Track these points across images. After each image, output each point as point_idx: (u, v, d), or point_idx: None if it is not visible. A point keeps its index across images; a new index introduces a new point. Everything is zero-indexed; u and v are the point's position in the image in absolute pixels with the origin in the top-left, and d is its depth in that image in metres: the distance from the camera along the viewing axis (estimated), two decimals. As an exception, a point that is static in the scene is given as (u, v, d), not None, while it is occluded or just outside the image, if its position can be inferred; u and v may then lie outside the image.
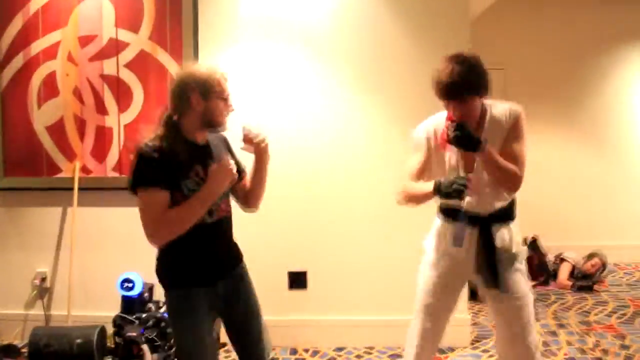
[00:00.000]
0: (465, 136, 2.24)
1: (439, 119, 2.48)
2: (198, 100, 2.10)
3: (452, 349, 3.66)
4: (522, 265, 2.46)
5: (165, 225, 2.04)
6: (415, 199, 2.44)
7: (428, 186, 2.34)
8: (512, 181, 2.33)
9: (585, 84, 6.00)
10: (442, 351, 3.61)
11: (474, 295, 4.22)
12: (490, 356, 3.56)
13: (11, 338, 3.75)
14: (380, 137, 3.78)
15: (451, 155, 2.42)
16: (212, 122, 2.16)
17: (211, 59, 3.78)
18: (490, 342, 3.77)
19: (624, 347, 3.66)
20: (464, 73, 2.21)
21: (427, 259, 2.57)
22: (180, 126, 2.14)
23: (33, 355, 3.50)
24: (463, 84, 2.22)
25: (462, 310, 3.69)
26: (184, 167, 2.09)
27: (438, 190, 2.29)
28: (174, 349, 3.41)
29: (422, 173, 2.48)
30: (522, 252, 2.51)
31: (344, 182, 3.80)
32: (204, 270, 2.18)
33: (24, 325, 3.90)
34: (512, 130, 2.35)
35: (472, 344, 3.78)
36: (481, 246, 2.42)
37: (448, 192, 2.25)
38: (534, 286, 5.02)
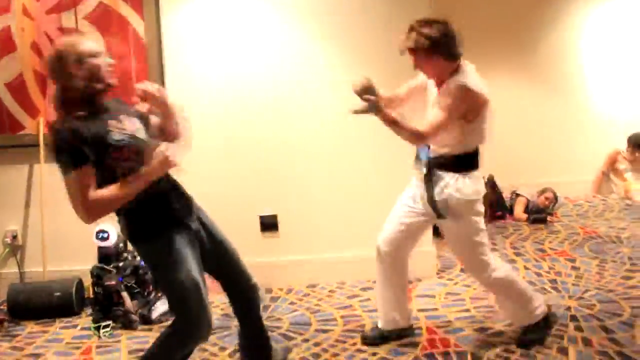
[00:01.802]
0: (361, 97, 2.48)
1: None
2: (76, 67, 2.10)
3: (419, 280, 3.86)
4: (468, 213, 2.66)
5: (101, 206, 2.07)
6: None
7: None
8: (408, 139, 2.56)
9: (536, 28, 6.18)
10: (409, 282, 3.80)
11: (436, 232, 4.42)
12: (455, 284, 3.78)
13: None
14: (344, 81, 3.85)
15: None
16: (100, 80, 2.15)
17: (173, 11, 3.78)
18: (454, 272, 4.00)
19: (575, 268, 3.93)
20: (417, 36, 2.48)
21: None
22: (76, 99, 2.14)
23: (13, 311, 3.56)
24: (411, 44, 2.50)
25: (427, 243, 3.89)
26: (102, 127, 2.11)
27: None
28: (156, 297, 3.52)
29: (395, 100, 2.78)
30: (473, 202, 2.68)
31: (309, 125, 3.88)
32: (173, 211, 2.25)
33: (-1, 283, 3.90)
34: (445, 98, 2.53)
35: (438, 274, 3.99)
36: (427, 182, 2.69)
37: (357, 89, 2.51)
38: (492, 221, 5.29)
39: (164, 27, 3.82)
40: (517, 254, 4.34)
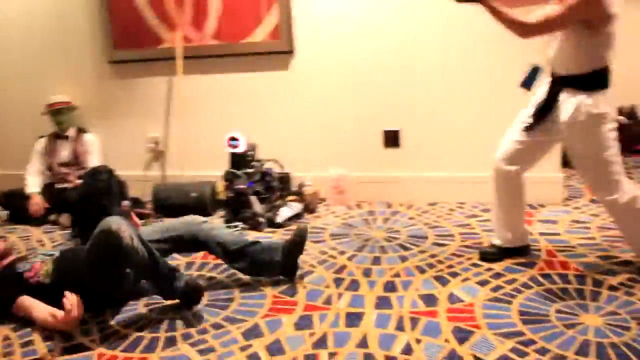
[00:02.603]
0: None
1: None
2: None
3: (542, 205, 3.75)
4: (600, 132, 2.50)
5: None
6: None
7: None
8: (513, 29, 2.43)
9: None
10: (532, 207, 3.72)
11: (566, 163, 4.23)
12: (582, 212, 3.63)
13: (136, 194, 4.15)
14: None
15: None
16: None
17: None
18: (581, 201, 3.84)
19: None
20: None
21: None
22: None
23: (156, 206, 3.94)
24: None
25: (554, 169, 3.76)
26: None
27: None
28: (282, 202, 3.75)
29: None
30: (604, 121, 2.51)
31: (437, 41, 3.81)
32: None
33: (145, 184, 4.28)
34: None
35: (564, 202, 3.85)
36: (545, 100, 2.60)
37: None
38: (631, 154, 4.95)
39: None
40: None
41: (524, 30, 2.44)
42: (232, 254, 2.72)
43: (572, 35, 2.42)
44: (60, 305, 2.30)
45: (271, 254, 2.72)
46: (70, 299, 2.23)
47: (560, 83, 2.55)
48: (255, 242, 2.77)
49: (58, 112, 4.24)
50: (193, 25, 4.14)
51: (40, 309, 2.38)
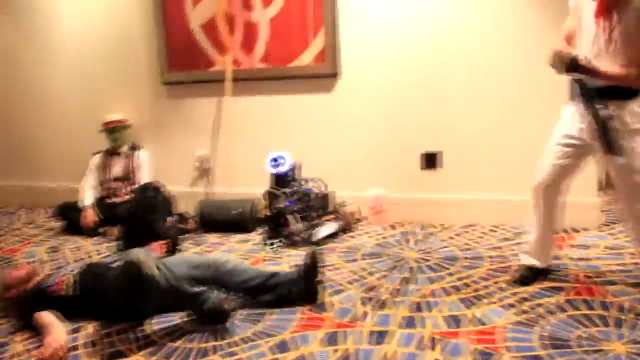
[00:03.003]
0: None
1: None
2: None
3: (577, 230, 3.77)
4: None
5: None
6: None
7: None
8: (632, 84, 2.49)
9: None
10: (567, 232, 3.75)
11: (602, 185, 4.22)
12: (617, 238, 3.62)
13: (182, 208, 4.37)
14: (510, 24, 3.80)
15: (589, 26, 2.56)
16: None
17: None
18: (618, 227, 3.82)
19: None
20: None
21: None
22: None
23: (201, 221, 4.17)
24: None
25: (591, 193, 3.79)
26: None
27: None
28: (320, 221, 3.90)
29: (570, 38, 2.67)
30: None
31: (477, 65, 3.91)
32: None
33: (190, 200, 4.51)
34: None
35: (600, 227, 3.85)
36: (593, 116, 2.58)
37: (551, 63, 2.51)
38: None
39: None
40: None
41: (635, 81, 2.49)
42: (254, 290, 2.86)
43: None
44: (84, 315, 2.66)
45: (290, 285, 2.85)
46: (52, 344, 2.43)
47: (605, 95, 2.56)
48: (274, 274, 2.91)
49: (113, 129, 4.54)
50: (243, 49, 4.38)
51: (44, 330, 2.59)
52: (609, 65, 2.50)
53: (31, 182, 5.38)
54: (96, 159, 4.60)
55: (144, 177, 4.47)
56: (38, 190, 5.31)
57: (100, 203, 4.43)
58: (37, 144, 5.32)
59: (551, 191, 2.81)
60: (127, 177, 4.50)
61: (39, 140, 5.31)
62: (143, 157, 4.57)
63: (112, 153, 4.59)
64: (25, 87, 5.26)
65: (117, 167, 4.54)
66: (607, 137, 2.53)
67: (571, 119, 2.73)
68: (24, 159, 5.41)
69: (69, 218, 4.39)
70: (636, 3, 2.40)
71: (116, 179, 4.51)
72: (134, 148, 4.60)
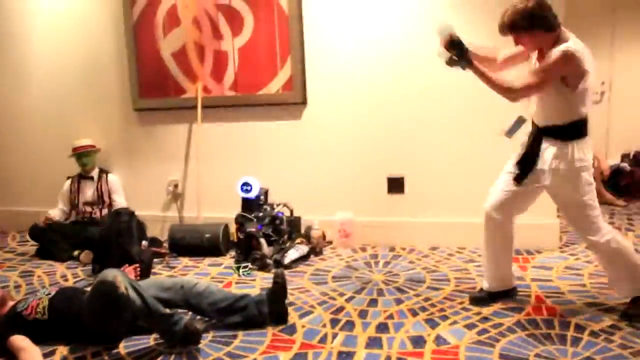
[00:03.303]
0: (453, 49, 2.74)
1: None
2: None
3: (539, 251, 3.91)
4: (579, 179, 2.72)
5: None
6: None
7: None
8: (501, 93, 2.72)
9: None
10: (529, 252, 3.89)
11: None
12: (577, 259, 3.77)
13: (154, 233, 4.46)
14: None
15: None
16: None
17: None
18: (579, 248, 3.98)
19: None
20: (512, 15, 2.62)
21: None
22: None
23: (172, 246, 4.21)
24: (508, 24, 2.65)
25: (551, 215, 3.94)
26: None
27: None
28: (290, 245, 3.97)
29: (504, 61, 2.95)
30: (583, 169, 2.73)
31: (439, 93, 4.07)
32: None
33: (163, 224, 4.61)
34: (545, 60, 2.64)
35: (561, 248, 4.00)
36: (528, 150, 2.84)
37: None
38: (632, 200, 5.08)
39: (304, 1, 4.19)
40: (653, 235, 4.20)
41: (513, 94, 2.71)
42: (224, 311, 2.91)
43: (552, 92, 2.67)
44: (57, 338, 2.71)
45: (259, 306, 2.92)
46: None
47: (542, 133, 2.78)
48: (243, 297, 2.97)
49: (83, 154, 4.60)
50: (213, 77, 4.47)
51: (19, 354, 2.60)
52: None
53: (1, 206, 5.36)
54: (66, 185, 4.67)
55: (118, 199, 4.58)
56: (8, 214, 5.29)
57: (72, 228, 4.46)
58: (8, 168, 5.33)
59: (498, 216, 2.96)
60: (100, 200, 4.57)
61: (9, 165, 5.32)
62: (113, 180, 4.65)
63: (83, 177, 4.64)
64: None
65: (88, 192, 4.59)
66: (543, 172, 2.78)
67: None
68: (-7, 184, 5.41)
69: (41, 240, 4.40)
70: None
71: (88, 203, 4.57)
72: (103, 172, 4.67)
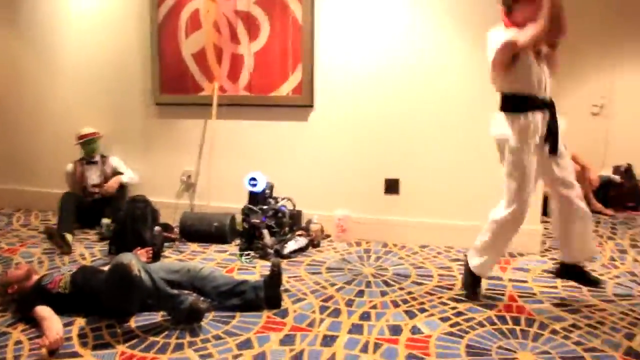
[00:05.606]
0: None
1: None
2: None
3: (521, 254, 4.21)
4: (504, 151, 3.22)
5: None
6: None
7: None
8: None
9: None
10: (511, 255, 4.19)
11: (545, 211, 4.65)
12: (555, 263, 4.04)
13: (166, 219, 4.80)
14: (466, 62, 4.26)
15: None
16: None
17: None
18: (557, 253, 4.25)
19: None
20: None
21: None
22: None
23: (182, 232, 4.57)
24: None
25: (534, 221, 4.21)
26: None
27: None
28: (290, 237, 4.30)
29: None
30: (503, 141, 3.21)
31: (438, 101, 4.39)
32: None
33: (175, 211, 4.99)
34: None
35: (542, 252, 4.29)
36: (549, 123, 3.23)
37: None
38: (622, 210, 5.34)
39: (317, 12, 4.51)
40: (633, 246, 4.46)
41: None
42: (225, 294, 3.23)
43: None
44: (76, 311, 3.07)
45: (256, 291, 3.24)
46: (53, 333, 2.77)
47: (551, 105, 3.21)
48: (243, 282, 3.29)
49: (90, 141, 5.04)
50: (229, 78, 4.81)
51: (43, 323, 2.91)
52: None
53: (26, 186, 5.78)
54: (70, 167, 5.12)
55: (124, 171, 5.10)
56: (33, 195, 5.71)
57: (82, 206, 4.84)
58: (33, 153, 5.74)
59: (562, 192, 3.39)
60: (106, 182, 4.99)
61: (34, 149, 5.73)
62: (115, 161, 5.13)
63: (87, 162, 5.07)
64: (25, 99, 5.68)
65: (94, 175, 5.03)
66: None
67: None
68: (19, 165, 5.83)
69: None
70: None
71: (94, 185, 5.01)
72: (103, 156, 5.14)
